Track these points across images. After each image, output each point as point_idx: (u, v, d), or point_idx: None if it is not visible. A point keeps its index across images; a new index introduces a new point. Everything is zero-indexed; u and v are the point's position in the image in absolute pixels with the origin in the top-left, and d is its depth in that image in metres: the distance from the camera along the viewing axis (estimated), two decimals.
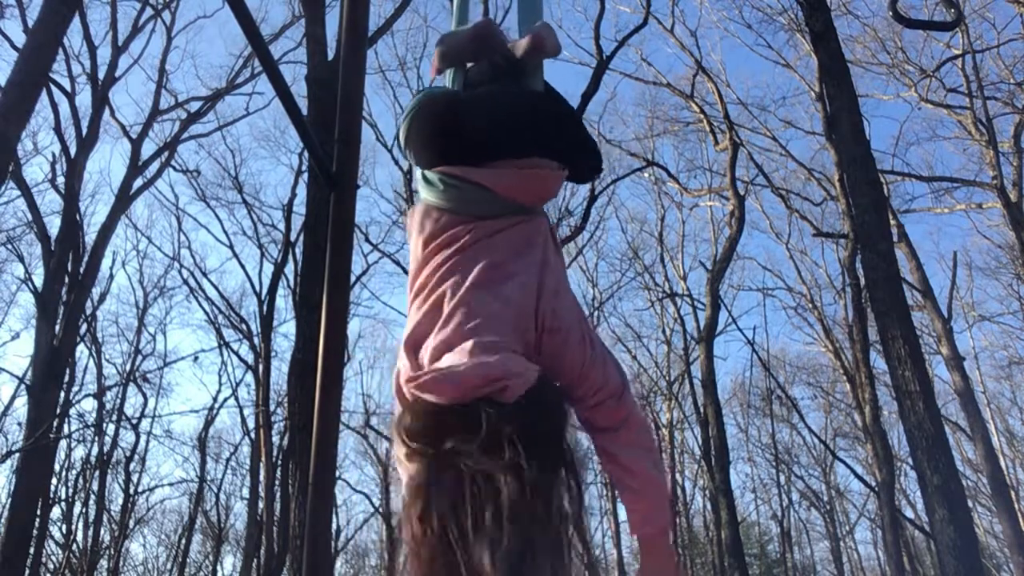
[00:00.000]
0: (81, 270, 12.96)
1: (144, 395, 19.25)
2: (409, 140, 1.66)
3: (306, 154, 12.32)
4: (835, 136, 11.35)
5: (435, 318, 1.41)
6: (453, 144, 1.57)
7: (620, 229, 22.44)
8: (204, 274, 19.65)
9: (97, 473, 17.63)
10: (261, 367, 16.69)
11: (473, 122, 1.58)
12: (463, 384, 1.18)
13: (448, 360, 1.28)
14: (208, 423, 20.18)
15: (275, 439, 15.88)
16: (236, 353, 19.21)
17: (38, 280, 13.46)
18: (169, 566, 23.14)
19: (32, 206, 12.96)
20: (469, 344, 1.28)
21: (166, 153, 16.30)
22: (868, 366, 13.94)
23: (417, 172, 1.64)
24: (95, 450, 17.50)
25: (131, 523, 19.59)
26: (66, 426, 15.69)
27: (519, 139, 1.57)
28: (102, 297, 17.93)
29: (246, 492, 19.62)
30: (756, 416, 24.00)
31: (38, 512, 11.21)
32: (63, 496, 17.29)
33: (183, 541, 20.81)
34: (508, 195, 1.54)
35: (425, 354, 1.36)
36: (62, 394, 13.39)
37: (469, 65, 1.85)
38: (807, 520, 26.15)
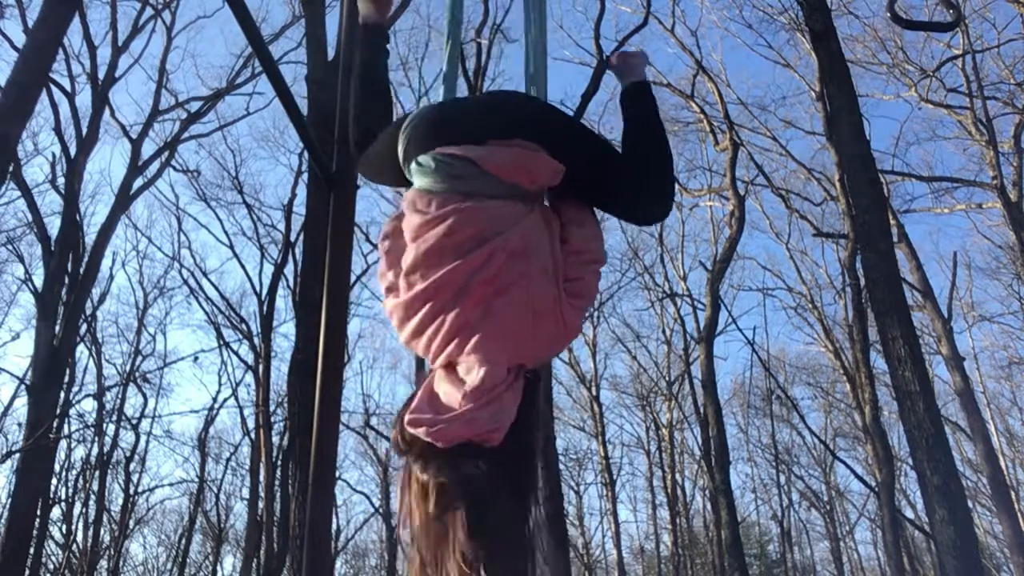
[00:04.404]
0: (81, 270, 12.96)
1: (144, 395, 19.28)
2: (408, 151, 1.68)
3: (306, 154, 12.33)
4: (835, 136, 11.35)
5: (436, 309, 1.53)
6: (445, 133, 1.63)
7: (620, 229, 22.36)
8: (204, 274, 19.65)
9: (97, 473, 17.64)
10: (261, 367, 16.69)
11: (463, 113, 1.70)
12: (453, 437, 1.39)
13: (445, 394, 1.47)
14: (208, 423, 20.21)
15: (275, 439, 15.88)
16: (236, 353, 19.23)
17: (38, 280, 13.49)
18: (169, 566, 23.18)
19: (32, 207, 12.97)
20: (467, 389, 1.43)
21: (166, 153, 16.31)
22: (868, 366, 13.94)
23: (412, 164, 1.66)
24: (95, 450, 17.52)
25: (131, 523, 19.62)
26: (66, 426, 15.70)
27: (502, 123, 1.63)
28: (102, 297, 17.96)
29: (246, 492, 19.64)
30: (756, 416, 24.02)
31: (38, 512, 11.21)
32: (63, 496, 17.31)
33: (183, 541, 20.82)
34: (497, 172, 1.57)
35: (428, 349, 1.56)
36: (62, 394, 13.40)
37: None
38: (807, 520, 26.17)
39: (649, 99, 1.87)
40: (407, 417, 1.44)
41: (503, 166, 1.57)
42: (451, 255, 1.52)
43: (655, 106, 1.89)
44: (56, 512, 16.81)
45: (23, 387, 14.41)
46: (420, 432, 1.40)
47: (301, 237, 12.76)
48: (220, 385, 25.31)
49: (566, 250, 1.63)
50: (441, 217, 1.55)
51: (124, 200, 14.45)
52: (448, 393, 1.46)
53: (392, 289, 1.66)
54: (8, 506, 11.05)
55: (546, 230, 1.61)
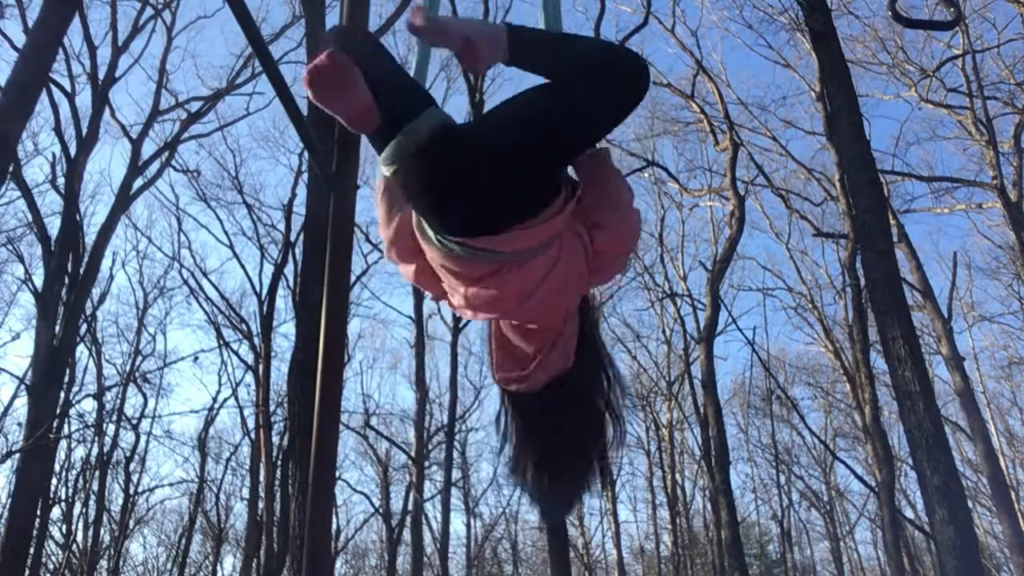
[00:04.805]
0: (81, 271, 12.94)
1: (144, 395, 19.25)
2: (397, 179, 1.63)
3: (306, 154, 12.32)
4: (835, 136, 11.34)
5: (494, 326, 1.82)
6: (457, 218, 1.59)
7: None
8: (204, 274, 19.58)
9: (97, 473, 17.63)
10: (261, 367, 16.68)
11: (471, 201, 1.55)
12: (539, 383, 1.73)
13: (518, 346, 1.77)
14: (208, 423, 20.18)
15: (275, 439, 15.88)
16: (236, 353, 19.19)
17: (38, 281, 13.47)
18: (169, 566, 23.16)
19: (32, 207, 12.95)
20: (536, 342, 1.74)
21: (166, 153, 16.29)
22: (868, 366, 13.94)
23: (424, 227, 1.66)
24: (95, 450, 17.52)
25: (131, 523, 19.61)
26: (66, 426, 15.69)
27: (520, 207, 1.55)
28: (102, 297, 17.93)
29: (246, 492, 19.62)
30: (756, 416, 24.00)
31: (38, 512, 11.20)
32: (63, 496, 17.31)
33: (183, 541, 20.82)
34: (525, 246, 1.58)
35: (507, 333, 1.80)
36: (62, 394, 13.38)
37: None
38: (807, 520, 26.15)
39: (536, 39, 1.67)
40: (498, 376, 1.79)
41: (526, 240, 1.58)
42: (502, 309, 1.70)
43: (543, 32, 1.83)
44: (56, 512, 16.83)
45: (23, 387, 14.41)
46: (512, 388, 1.76)
47: (301, 237, 12.75)
48: (220, 385, 25.21)
49: (593, 248, 1.73)
50: (483, 283, 1.63)
51: (124, 200, 14.44)
52: (520, 346, 1.76)
53: (428, 286, 1.81)
54: (8, 506, 11.04)
55: (579, 244, 1.68)
